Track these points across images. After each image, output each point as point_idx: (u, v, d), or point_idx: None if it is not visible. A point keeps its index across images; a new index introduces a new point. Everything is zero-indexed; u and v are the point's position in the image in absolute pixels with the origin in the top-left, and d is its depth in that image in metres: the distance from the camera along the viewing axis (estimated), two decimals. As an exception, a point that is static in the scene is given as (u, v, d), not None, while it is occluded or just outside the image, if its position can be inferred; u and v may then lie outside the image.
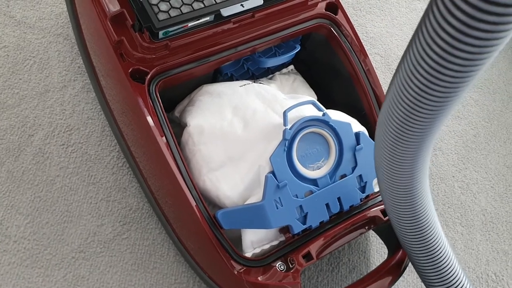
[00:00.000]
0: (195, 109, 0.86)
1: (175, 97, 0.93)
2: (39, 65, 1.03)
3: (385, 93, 0.96)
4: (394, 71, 1.30)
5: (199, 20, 0.80)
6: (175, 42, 0.80)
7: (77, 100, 1.02)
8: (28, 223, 0.89)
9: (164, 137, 0.79)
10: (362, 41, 1.29)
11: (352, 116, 0.93)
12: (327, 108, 0.89)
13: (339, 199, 0.83)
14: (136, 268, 0.90)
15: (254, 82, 0.96)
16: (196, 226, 0.78)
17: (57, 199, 0.93)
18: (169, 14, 0.77)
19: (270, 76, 1.04)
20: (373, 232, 1.00)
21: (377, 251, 1.03)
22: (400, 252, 0.86)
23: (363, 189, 0.85)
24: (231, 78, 0.98)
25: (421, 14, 1.43)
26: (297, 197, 0.79)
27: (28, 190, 0.92)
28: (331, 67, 1.01)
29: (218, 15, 0.82)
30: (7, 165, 0.93)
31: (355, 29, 0.99)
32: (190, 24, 0.80)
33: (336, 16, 0.95)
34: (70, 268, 0.88)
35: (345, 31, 0.96)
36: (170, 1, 0.78)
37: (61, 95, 1.02)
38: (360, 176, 0.85)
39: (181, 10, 0.78)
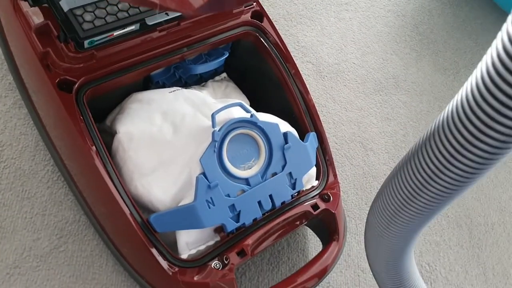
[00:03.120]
0: (125, 117, 0.87)
1: (107, 107, 0.94)
2: (-32, 83, 1.02)
3: (313, 98, 1.01)
4: (325, 77, 1.36)
5: (124, 29, 0.82)
6: (102, 52, 0.82)
7: (9, 116, 1.01)
8: (-41, 241, 0.87)
9: (94, 146, 0.79)
10: (294, 50, 1.35)
11: (285, 120, 0.97)
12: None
13: (270, 196, 0.85)
14: (74, 280, 0.90)
15: (185, 87, 0.98)
16: (130, 232, 0.78)
17: (-10, 216, 0.91)
18: (93, 24, 0.79)
19: (203, 84, 1.07)
20: (309, 229, 1.03)
21: (315, 248, 1.06)
22: (332, 242, 0.89)
23: (293, 185, 0.88)
24: (163, 86, 0.99)
25: (349, 23, 1.49)
26: (229, 196, 0.81)
27: (-42, 209, 0.90)
28: (261, 73, 1.04)
29: (144, 24, 0.84)
30: None
31: (286, 39, 1.03)
32: (116, 33, 0.82)
33: (262, 24, 1.00)
34: (5, 285, 0.86)
35: (271, 37, 1.00)
36: (95, 12, 0.80)
37: (-8, 112, 1.00)
38: (290, 173, 0.88)
39: (105, 20, 0.80)
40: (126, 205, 0.78)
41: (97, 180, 0.80)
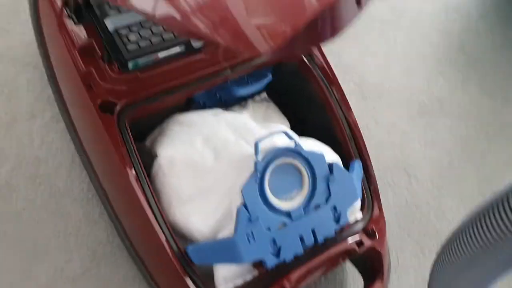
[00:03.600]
0: (166, 139, 0.84)
1: (147, 126, 0.91)
2: (8, 94, 1.01)
3: (358, 123, 0.96)
4: (367, 98, 1.31)
5: (169, 50, 0.79)
6: (145, 73, 0.79)
7: (46, 131, 1.00)
8: (-8, 259, 0.86)
9: (133, 169, 0.77)
10: (336, 68, 1.30)
11: (326, 144, 0.93)
12: (300, 135, 0.89)
13: (313, 231, 0.81)
14: (105, 305, 0.87)
15: (226, 110, 0.95)
16: (166, 260, 0.75)
17: (24, 233, 0.89)
18: (138, 45, 0.76)
19: (243, 103, 1.03)
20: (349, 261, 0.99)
21: (354, 281, 1.01)
22: (376, 282, 0.85)
23: (337, 219, 0.84)
24: (203, 106, 0.96)
25: (393, 42, 1.44)
26: (270, 230, 0.77)
27: (-8, 225, 0.89)
28: (304, 95, 1.00)
29: (189, 46, 0.81)
30: (-29, 199, 0.90)
31: (328, 57, 0.99)
32: (161, 55, 0.79)
33: (308, 45, 0.96)
34: (35, 306, 0.85)
35: (317, 59, 0.96)
36: (140, 32, 0.77)
37: (30, 125, 0.99)
38: (334, 206, 0.83)
39: (151, 41, 0.77)
40: (163, 233, 0.75)
41: (135, 204, 0.77)
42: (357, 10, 0.44)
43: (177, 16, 0.49)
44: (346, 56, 1.36)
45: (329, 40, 0.46)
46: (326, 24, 0.44)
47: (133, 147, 0.78)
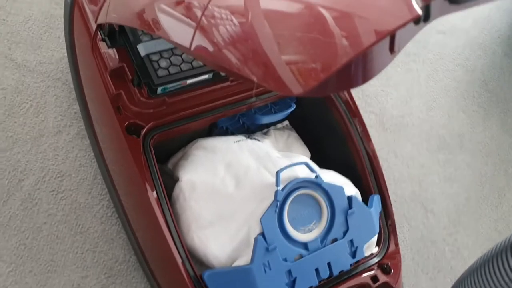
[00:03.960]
0: (188, 164, 0.86)
1: (169, 148, 0.93)
2: (36, 109, 1.03)
3: (378, 156, 0.97)
4: (388, 130, 1.31)
5: (198, 77, 0.81)
6: (173, 98, 0.81)
7: (71, 146, 1.02)
8: (11, 271, 0.87)
9: (155, 192, 0.78)
10: (357, 99, 1.31)
11: (345, 175, 0.93)
12: (319, 165, 0.89)
13: (329, 264, 0.81)
14: (118, 323, 0.88)
15: (249, 137, 0.96)
16: (182, 285, 0.76)
17: (43, 247, 0.91)
18: (168, 71, 0.78)
19: (265, 130, 1.05)
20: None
21: (366, 315, 1.01)
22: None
23: (353, 254, 0.84)
24: (226, 131, 0.98)
25: (416, 75, 1.44)
26: (286, 261, 0.78)
27: (13, 237, 0.90)
28: (326, 125, 1.01)
29: (216, 73, 0.83)
30: (-6, 210, 0.92)
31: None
32: (189, 81, 0.81)
33: (333, 77, 0.97)
34: (50, 320, 0.86)
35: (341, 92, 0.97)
36: (171, 58, 0.79)
37: (55, 140, 1.01)
38: (351, 240, 0.84)
39: (180, 68, 0.79)
40: (180, 256, 0.76)
41: (154, 226, 0.78)
42: (389, 57, 0.45)
43: (211, 49, 0.50)
44: (368, 86, 1.37)
45: (359, 85, 0.47)
46: (359, 69, 0.45)
47: (157, 170, 0.79)
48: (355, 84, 0.46)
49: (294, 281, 0.78)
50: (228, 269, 0.76)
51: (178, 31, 0.54)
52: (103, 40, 0.81)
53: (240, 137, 0.93)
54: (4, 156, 0.96)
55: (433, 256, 1.15)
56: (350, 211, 0.84)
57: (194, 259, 0.80)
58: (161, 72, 0.78)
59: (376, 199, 0.90)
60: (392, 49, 0.44)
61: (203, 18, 0.50)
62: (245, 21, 0.46)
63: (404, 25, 0.38)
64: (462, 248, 1.19)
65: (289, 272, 0.78)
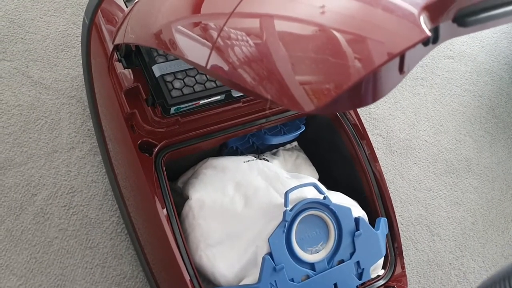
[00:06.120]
0: (198, 182, 0.87)
1: (180, 166, 0.94)
2: (50, 125, 1.06)
3: (385, 178, 0.98)
4: (395, 152, 1.33)
5: (210, 98, 0.83)
6: (185, 118, 0.83)
7: (83, 163, 1.04)
8: (21, 285, 0.89)
9: (165, 209, 0.79)
10: (365, 121, 1.33)
11: (352, 198, 0.95)
12: (327, 186, 0.91)
13: (335, 285, 0.82)
14: None
15: (258, 157, 0.97)
16: (190, 304, 0.77)
17: (53, 261, 0.92)
18: (182, 92, 0.80)
19: (274, 151, 1.06)
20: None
21: (371, 338, 1.01)
22: None
23: (360, 275, 0.85)
24: (236, 151, 1.00)
25: (423, 99, 1.45)
26: (293, 281, 0.78)
27: (25, 251, 0.92)
28: (334, 147, 1.03)
29: (229, 95, 0.85)
30: (7, 224, 0.93)
31: (359, 109, 1.01)
32: (202, 102, 0.83)
33: (342, 101, 0.98)
34: (57, 334, 0.87)
35: (348, 114, 0.99)
36: (184, 80, 0.81)
37: (68, 156, 1.03)
38: (358, 262, 0.84)
39: (194, 89, 0.81)
40: (188, 274, 0.77)
41: (163, 243, 0.79)
42: (399, 77, 0.46)
43: (226, 68, 0.52)
44: (376, 109, 1.39)
45: (369, 104, 0.49)
46: (369, 88, 0.47)
47: (167, 188, 0.81)
48: (365, 102, 0.48)
49: (300, 302, 0.79)
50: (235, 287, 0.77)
51: (195, 50, 0.56)
52: (119, 60, 0.84)
53: (249, 157, 0.95)
54: (18, 171, 0.99)
55: (439, 280, 1.15)
56: (357, 233, 0.84)
57: (202, 277, 0.81)
58: (175, 93, 0.80)
59: (383, 221, 0.91)
60: (401, 70, 0.45)
61: (219, 39, 0.52)
62: (260, 42, 0.48)
63: (413, 46, 0.39)
64: (468, 273, 1.19)
65: (296, 292, 0.78)
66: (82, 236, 0.96)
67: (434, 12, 0.41)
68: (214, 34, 0.53)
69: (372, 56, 0.41)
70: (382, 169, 0.99)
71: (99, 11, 0.89)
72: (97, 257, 0.95)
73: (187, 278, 0.77)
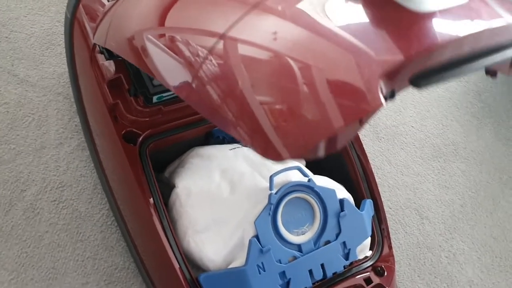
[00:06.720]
0: (185, 171, 0.88)
1: (166, 158, 0.95)
2: (38, 122, 1.07)
3: (371, 163, 0.99)
4: (382, 139, 1.34)
5: (192, 87, 0.84)
6: (169, 107, 0.84)
7: (72, 158, 1.04)
8: (13, 279, 0.89)
9: (151, 198, 0.80)
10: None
11: (340, 183, 0.96)
12: (313, 172, 0.92)
13: (322, 265, 0.83)
14: (117, 329, 0.90)
15: (244, 145, 0.98)
16: (178, 287, 0.78)
17: (44, 255, 0.93)
18: (163, 81, 0.81)
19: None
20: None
21: (362, 319, 1.02)
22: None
23: (346, 256, 0.86)
24: (222, 141, 1.00)
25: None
26: (280, 263, 0.80)
27: (15, 246, 0.92)
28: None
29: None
30: (-3, 220, 0.94)
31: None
32: (184, 90, 0.84)
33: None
34: (50, 326, 0.87)
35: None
36: (166, 69, 0.82)
37: (57, 152, 1.04)
38: (344, 243, 0.86)
39: (175, 77, 0.82)
40: (177, 261, 0.78)
41: (152, 232, 0.80)
42: (358, 127, 0.48)
43: (206, 103, 0.51)
44: (362, 97, 1.40)
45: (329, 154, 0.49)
46: (331, 141, 0.48)
47: (153, 177, 0.82)
48: (328, 151, 0.49)
49: (288, 283, 0.80)
50: (223, 271, 0.78)
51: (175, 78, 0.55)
52: (101, 52, 0.84)
53: (235, 145, 0.96)
54: (7, 168, 0.99)
55: (429, 262, 1.17)
56: (342, 213, 0.86)
57: (191, 263, 0.82)
58: (156, 82, 0.81)
59: (368, 203, 0.92)
60: (361, 121, 0.47)
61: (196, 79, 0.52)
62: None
63: (372, 112, 0.43)
64: (458, 254, 1.21)
65: (283, 273, 0.80)
66: (72, 229, 0.97)
67: (390, 79, 0.43)
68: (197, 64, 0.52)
69: (334, 120, 0.44)
70: (369, 155, 1.01)
71: (81, 5, 0.90)
72: (88, 249, 0.96)
73: (176, 265, 0.78)
